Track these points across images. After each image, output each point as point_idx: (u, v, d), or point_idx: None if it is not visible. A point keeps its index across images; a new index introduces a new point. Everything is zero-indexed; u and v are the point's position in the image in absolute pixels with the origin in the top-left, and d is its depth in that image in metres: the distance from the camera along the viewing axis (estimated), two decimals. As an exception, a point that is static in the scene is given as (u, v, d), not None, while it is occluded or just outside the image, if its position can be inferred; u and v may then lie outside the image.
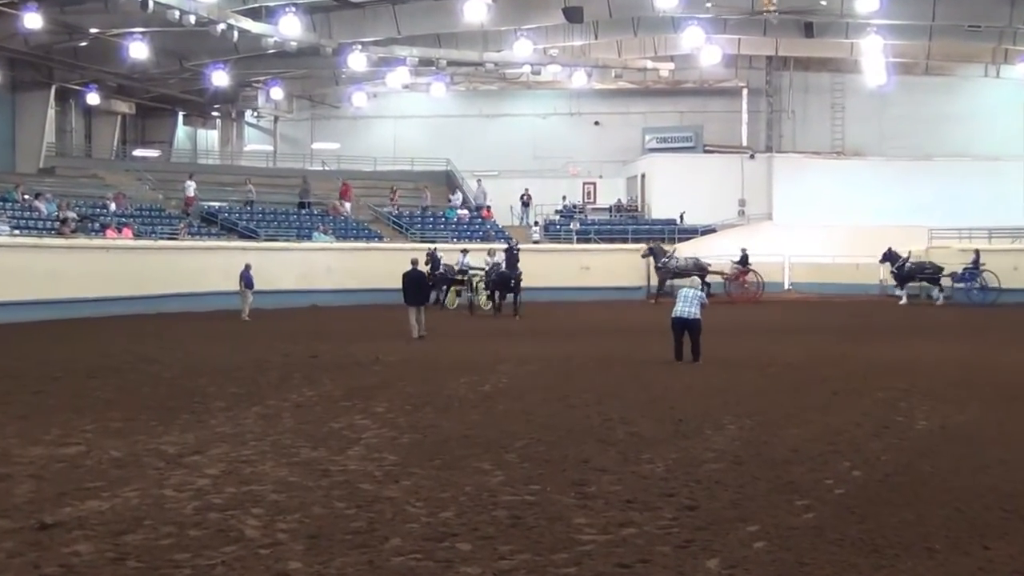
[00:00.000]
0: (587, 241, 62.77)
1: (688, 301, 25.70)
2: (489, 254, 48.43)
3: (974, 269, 52.78)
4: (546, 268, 54.24)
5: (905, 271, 53.56)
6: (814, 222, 62.80)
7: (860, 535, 10.55)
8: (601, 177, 72.68)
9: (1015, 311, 46.00)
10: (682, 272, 51.61)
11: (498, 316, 43.94)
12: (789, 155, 70.74)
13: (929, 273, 53.60)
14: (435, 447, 15.03)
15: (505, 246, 49.96)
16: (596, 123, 75.01)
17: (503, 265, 46.64)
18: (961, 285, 53.14)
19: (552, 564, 9.71)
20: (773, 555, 9.96)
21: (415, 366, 25.25)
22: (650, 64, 69.28)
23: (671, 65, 70.10)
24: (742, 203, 68.36)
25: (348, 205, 61.86)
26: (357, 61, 58.21)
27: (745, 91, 74.17)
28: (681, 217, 66.41)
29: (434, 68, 64.04)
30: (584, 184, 72.05)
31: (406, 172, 68.85)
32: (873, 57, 64.18)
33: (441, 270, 50.51)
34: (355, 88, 71.93)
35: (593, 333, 36.26)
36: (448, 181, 68.36)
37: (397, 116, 75.63)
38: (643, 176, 70.43)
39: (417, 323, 32.87)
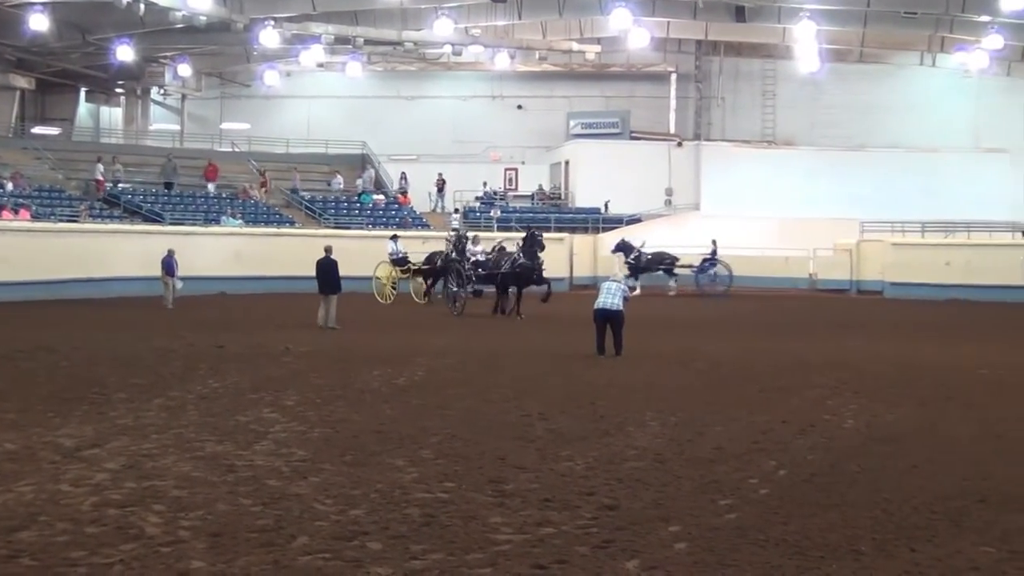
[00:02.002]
0: (507, 230, 62.39)
1: (611, 293, 25.48)
2: (473, 242, 43.73)
3: (711, 260, 53.49)
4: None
5: (642, 263, 53.73)
6: (743, 213, 62.82)
7: (784, 536, 10.46)
8: (523, 163, 72.30)
9: (948, 308, 46.34)
10: (651, 267, 51.59)
11: (505, 318, 38.79)
12: (718, 143, 70.84)
13: (667, 264, 54.09)
14: (346, 442, 14.75)
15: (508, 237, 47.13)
16: (519, 107, 74.43)
17: (519, 255, 39.84)
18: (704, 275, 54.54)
19: (466, 564, 9.55)
20: (695, 556, 9.84)
21: (327, 357, 24.93)
22: (576, 46, 69.08)
23: (597, 48, 69.90)
24: (669, 192, 68.27)
25: (212, 186, 60.50)
26: (269, 38, 57.15)
27: (674, 76, 73.88)
28: (606, 206, 66.28)
29: (350, 47, 63.23)
30: (506, 170, 71.60)
31: (320, 155, 67.66)
32: (806, 43, 64.15)
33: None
34: (267, 66, 70.56)
35: (513, 325, 36.01)
36: (364, 165, 67.60)
37: (311, 96, 74.55)
38: (567, 163, 70.24)
39: (327, 313, 32.33)
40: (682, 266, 54.41)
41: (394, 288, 45.54)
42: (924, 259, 53.72)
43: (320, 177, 64.97)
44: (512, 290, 39.19)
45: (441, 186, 66.80)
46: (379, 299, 44.93)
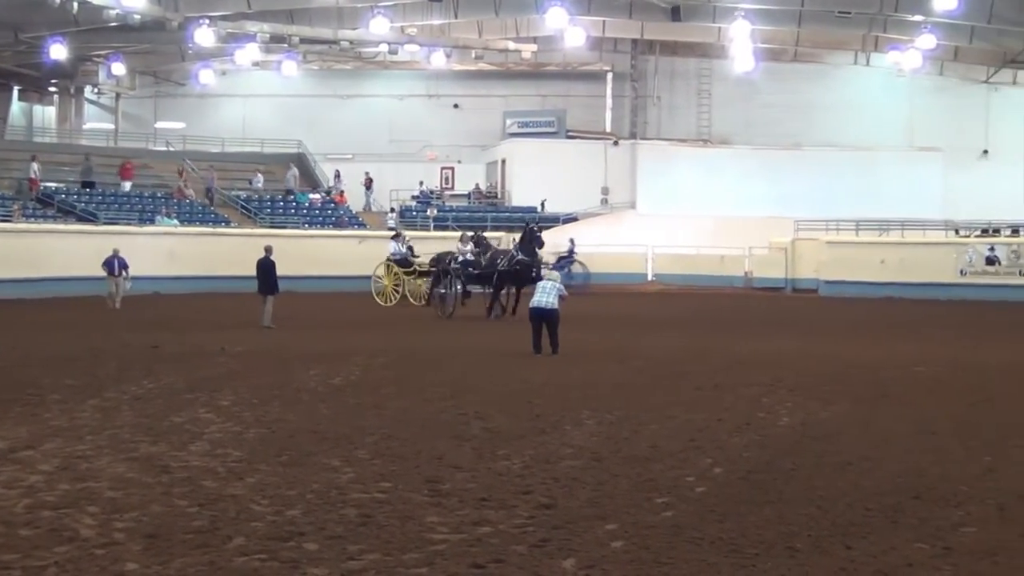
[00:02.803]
0: (444, 229, 62.30)
1: (546, 292, 25.51)
2: (461, 240, 42.70)
3: (567, 258, 53.43)
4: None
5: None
6: (679, 212, 63.07)
7: (720, 534, 10.42)
8: (460, 162, 72.23)
9: (882, 306, 46.67)
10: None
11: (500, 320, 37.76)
12: (654, 142, 70.92)
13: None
14: (282, 442, 14.64)
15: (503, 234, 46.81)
16: (455, 106, 74.34)
17: (516, 252, 38.64)
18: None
19: (403, 564, 9.45)
20: (631, 554, 9.79)
21: (263, 357, 24.81)
22: (512, 45, 69.08)
23: (533, 47, 69.90)
24: (605, 191, 68.35)
25: (128, 185, 59.64)
26: (204, 36, 56.71)
27: (610, 75, 73.95)
28: (542, 205, 66.31)
29: (286, 45, 63.05)
30: (442, 169, 71.52)
31: (255, 154, 67.35)
32: (741, 43, 64.44)
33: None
34: (202, 65, 70.32)
35: (451, 323, 35.97)
36: (300, 163, 67.29)
37: (246, 95, 74.26)
38: (503, 161, 70.21)
39: (265, 313, 32.22)
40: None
41: (397, 289, 44.17)
42: (858, 257, 54.18)
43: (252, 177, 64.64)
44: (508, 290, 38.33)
45: (368, 184, 66.53)
46: (378, 300, 43.98)
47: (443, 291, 39.54)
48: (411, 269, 43.98)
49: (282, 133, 67.71)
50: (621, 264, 55.32)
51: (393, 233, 47.72)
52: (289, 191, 63.75)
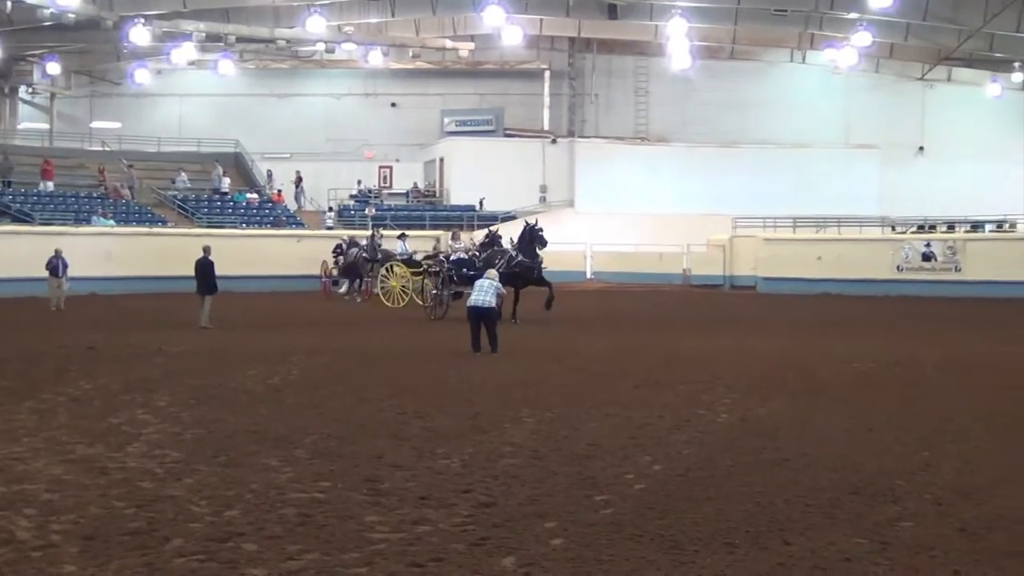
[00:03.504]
0: (384, 227, 62.13)
1: (483, 291, 25.45)
2: (452, 238, 41.80)
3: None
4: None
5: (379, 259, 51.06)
6: (617, 209, 63.21)
7: (660, 530, 10.50)
8: (398, 161, 72.17)
9: (819, 302, 46.90)
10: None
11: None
12: (592, 140, 71.05)
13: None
14: (220, 443, 14.58)
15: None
16: (393, 105, 74.19)
17: (517, 253, 36.80)
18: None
19: (342, 564, 9.49)
20: (571, 552, 9.84)
21: (201, 357, 24.63)
22: (449, 44, 69.19)
23: (471, 45, 70.00)
24: (543, 189, 68.45)
25: (50, 184, 58.56)
26: (140, 35, 56.39)
27: (547, 73, 73.99)
28: (481, 203, 66.25)
29: (222, 44, 62.79)
30: (380, 168, 71.43)
31: (192, 154, 66.57)
32: (678, 41, 64.72)
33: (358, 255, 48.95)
34: (138, 64, 69.60)
35: (388, 322, 35.94)
36: (237, 163, 66.95)
37: (183, 95, 73.70)
38: (441, 160, 70.16)
39: (203, 313, 32.03)
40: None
41: (405, 290, 42.79)
42: (796, 254, 54.45)
43: (192, 176, 64.11)
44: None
45: (298, 183, 66.25)
46: (385, 301, 42.66)
47: (434, 291, 37.84)
48: (419, 270, 42.18)
49: (219, 132, 67.31)
50: (560, 262, 55.10)
51: (399, 233, 46.86)
52: (215, 190, 63.29)
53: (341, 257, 49.59)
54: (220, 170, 63.77)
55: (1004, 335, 32.39)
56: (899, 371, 23.04)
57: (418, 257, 43.60)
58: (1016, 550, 9.92)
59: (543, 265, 36.99)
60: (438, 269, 38.15)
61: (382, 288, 43.53)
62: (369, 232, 49.67)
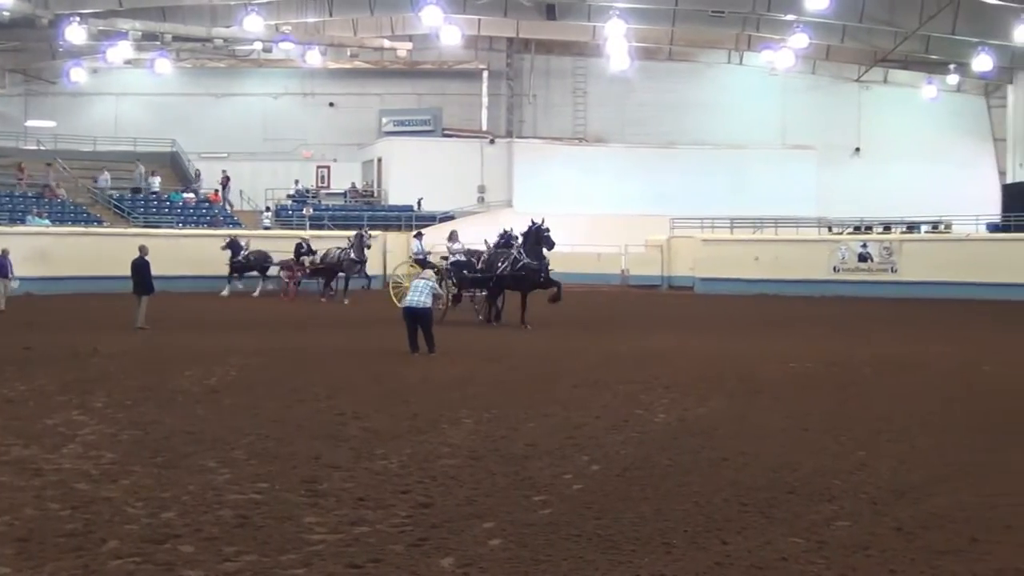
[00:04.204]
0: (320, 227, 61.93)
1: (419, 291, 25.38)
2: (450, 239, 38.75)
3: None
4: (277, 255, 53.37)
5: (242, 261, 51.15)
6: (555, 210, 62.80)
7: (597, 530, 10.50)
8: (336, 161, 72.10)
9: (757, 302, 47.07)
10: (253, 266, 50.42)
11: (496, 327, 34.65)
12: (530, 141, 71.29)
13: (266, 264, 51.50)
14: (157, 444, 14.45)
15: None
16: (331, 104, 74.16)
17: (522, 254, 34.30)
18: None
19: (280, 565, 9.45)
20: (509, 552, 9.85)
21: (137, 358, 24.46)
22: (387, 44, 69.20)
23: (409, 45, 70.03)
24: (482, 189, 68.55)
25: None
26: (75, 34, 56.07)
27: (486, 74, 74.23)
28: (419, 203, 66.22)
29: (159, 43, 62.40)
30: (318, 168, 71.38)
31: (128, 153, 66.27)
32: (616, 41, 64.92)
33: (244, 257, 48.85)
34: (73, 63, 69.23)
35: (326, 323, 35.81)
36: (173, 163, 66.57)
37: (119, 93, 73.38)
38: (379, 160, 70.17)
39: (139, 313, 31.79)
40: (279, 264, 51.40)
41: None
42: (733, 254, 54.66)
43: (128, 175, 63.71)
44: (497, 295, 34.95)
45: (225, 183, 65.96)
46: (397, 303, 37.88)
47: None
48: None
49: (156, 132, 67.09)
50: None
51: (415, 232, 43.91)
52: (136, 189, 62.83)
53: (306, 257, 48.86)
54: (142, 169, 63.37)
55: (939, 335, 32.61)
56: (836, 371, 23.14)
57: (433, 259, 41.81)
58: (951, 549, 9.99)
59: (549, 267, 34.97)
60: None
61: (395, 289, 39.79)
62: (355, 231, 48.62)
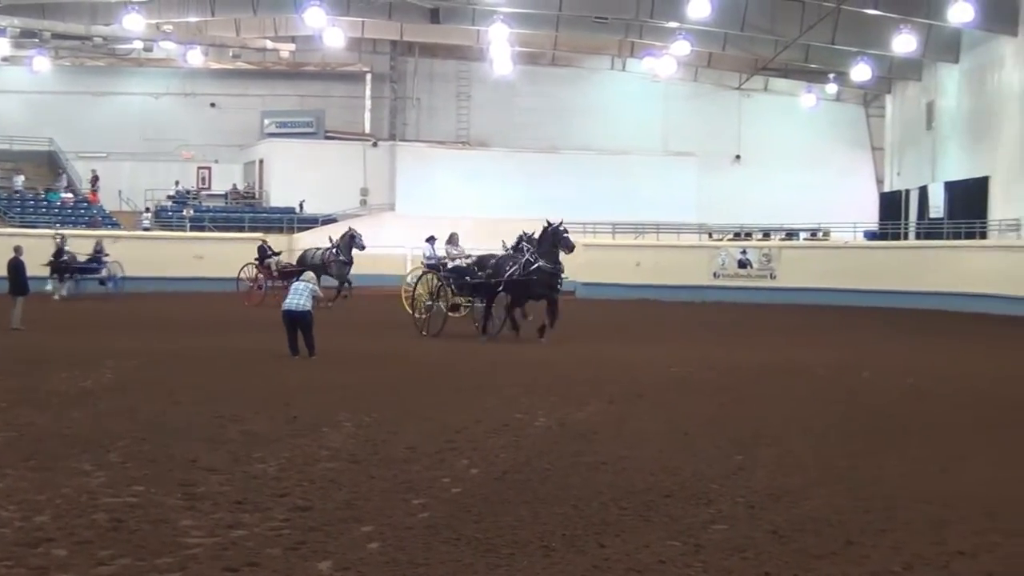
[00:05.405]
0: (201, 229, 61.45)
1: (298, 294, 25.27)
2: (449, 242, 35.28)
3: (98, 261, 50.31)
4: (156, 257, 52.82)
5: (75, 264, 49.42)
6: (439, 213, 63.08)
7: (476, 534, 10.49)
8: (217, 162, 71.50)
9: (638, 308, 47.28)
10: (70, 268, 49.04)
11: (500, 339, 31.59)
12: (413, 144, 71.16)
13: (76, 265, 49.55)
14: (30, 446, 14.25)
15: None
16: (212, 105, 73.30)
17: (534, 258, 30.78)
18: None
19: (155, 569, 9.33)
20: (387, 555, 9.81)
21: (11, 360, 24.08)
22: (270, 45, 68.80)
23: (292, 47, 69.67)
24: (364, 192, 68.36)
25: None
26: (-51, 30, 55.17)
27: (369, 76, 73.89)
28: (301, 205, 65.94)
29: (37, 40, 61.47)
30: (199, 169, 70.74)
31: (5, 152, 65.48)
32: (499, 46, 65.01)
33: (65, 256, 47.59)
34: (-54, 60, 68.11)
35: (205, 326, 35.49)
36: (50, 162, 65.66)
37: (-5, 91, 72.03)
38: (261, 162, 69.78)
39: (14, 314, 31.34)
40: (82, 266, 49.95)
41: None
42: (615, 259, 54.87)
43: (3, 174, 62.79)
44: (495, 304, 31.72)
45: (94, 182, 65.20)
46: (408, 311, 35.14)
47: (429, 303, 32.69)
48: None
49: (33, 130, 66.01)
50: (380, 265, 54.87)
51: (428, 236, 37.39)
52: (16, 190, 61.98)
53: (272, 259, 46.86)
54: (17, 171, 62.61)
55: (818, 341, 32.96)
56: (716, 376, 23.28)
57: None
58: (826, 552, 10.09)
59: (564, 275, 31.61)
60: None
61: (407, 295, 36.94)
62: (343, 232, 47.23)
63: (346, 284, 45.30)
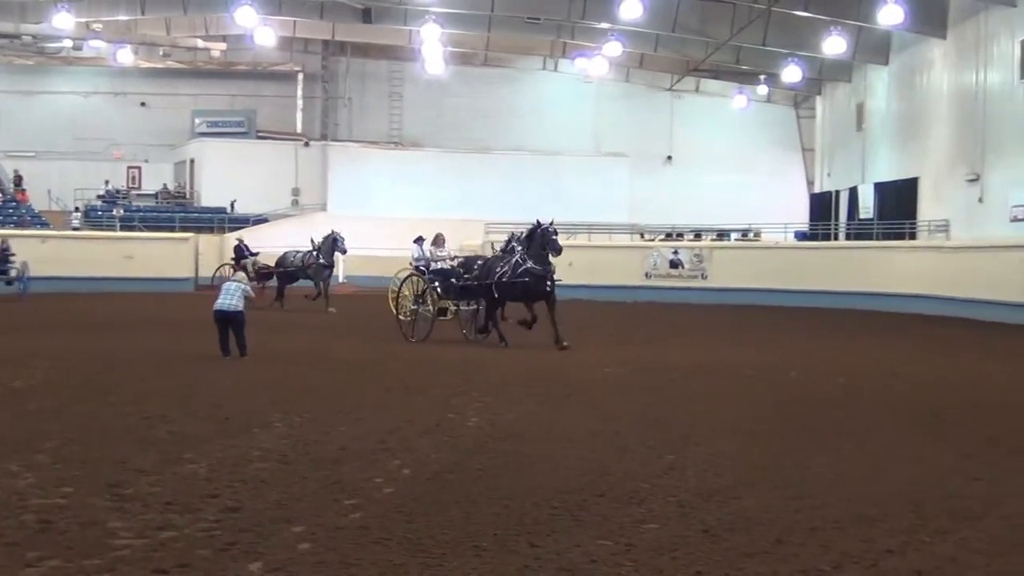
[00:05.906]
0: (131, 229, 61.05)
1: (229, 294, 25.16)
2: (434, 243, 33.27)
3: (3, 259, 49.33)
4: (85, 257, 52.43)
5: None
6: (371, 213, 63.28)
7: (407, 534, 10.46)
8: (147, 161, 71.08)
9: (571, 308, 47.15)
10: None
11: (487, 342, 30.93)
12: (345, 144, 71.08)
13: None
14: (-43, 448, 14.07)
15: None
16: (142, 104, 72.83)
17: (523, 260, 30.06)
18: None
19: (84, 571, 9.24)
20: (318, 556, 9.77)
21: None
22: (201, 44, 68.45)
23: (223, 45, 69.34)
24: (296, 192, 68.23)
25: None
26: None
27: (300, 76, 73.66)
28: (232, 205, 65.65)
29: (-35, 39, 61.03)
30: (129, 168, 70.34)
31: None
32: (431, 46, 64.89)
33: None
34: None
35: (136, 326, 35.24)
36: None
37: (-79, 89, 71.29)
38: (192, 161, 69.48)
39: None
40: None
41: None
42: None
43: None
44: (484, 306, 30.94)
45: (18, 182, 64.67)
46: (395, 312, 34.14)
47: (412, 307, 31.72)
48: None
49: (-41, 129, 65.50)
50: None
51: (416, 236, 35.14)
52: None
53: (247, 259, 46.26)
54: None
55: (749, 341, 33.15)
56: (647, 376, 23.34)
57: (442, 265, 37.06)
58: (756, 550, 10.13)
59: (556, 278, 30.71)
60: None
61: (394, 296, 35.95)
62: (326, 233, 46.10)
63: (319, 286, 44.45)
